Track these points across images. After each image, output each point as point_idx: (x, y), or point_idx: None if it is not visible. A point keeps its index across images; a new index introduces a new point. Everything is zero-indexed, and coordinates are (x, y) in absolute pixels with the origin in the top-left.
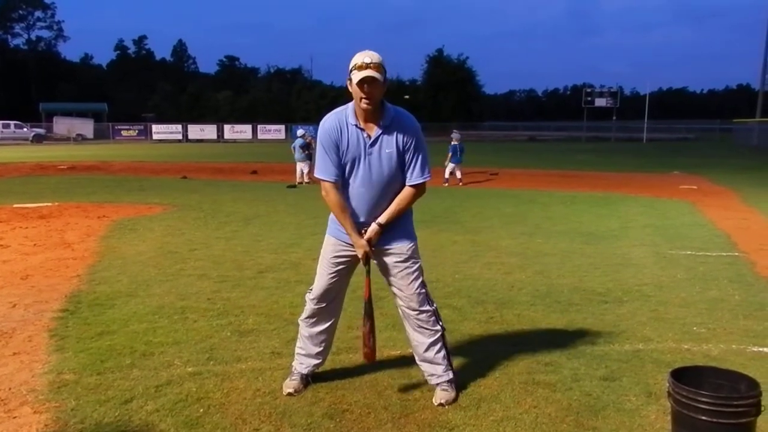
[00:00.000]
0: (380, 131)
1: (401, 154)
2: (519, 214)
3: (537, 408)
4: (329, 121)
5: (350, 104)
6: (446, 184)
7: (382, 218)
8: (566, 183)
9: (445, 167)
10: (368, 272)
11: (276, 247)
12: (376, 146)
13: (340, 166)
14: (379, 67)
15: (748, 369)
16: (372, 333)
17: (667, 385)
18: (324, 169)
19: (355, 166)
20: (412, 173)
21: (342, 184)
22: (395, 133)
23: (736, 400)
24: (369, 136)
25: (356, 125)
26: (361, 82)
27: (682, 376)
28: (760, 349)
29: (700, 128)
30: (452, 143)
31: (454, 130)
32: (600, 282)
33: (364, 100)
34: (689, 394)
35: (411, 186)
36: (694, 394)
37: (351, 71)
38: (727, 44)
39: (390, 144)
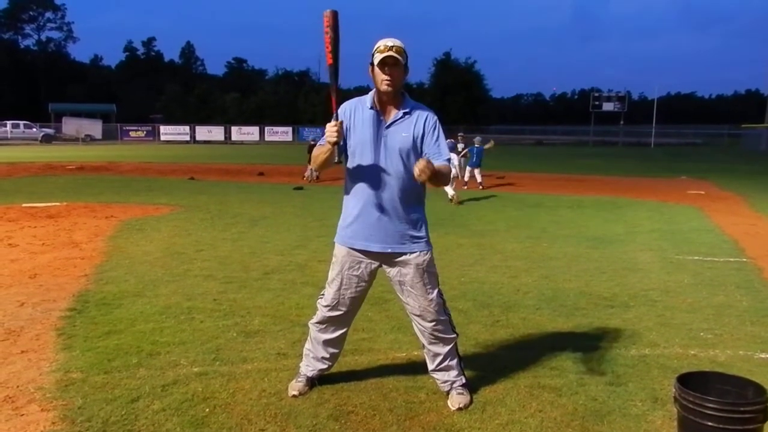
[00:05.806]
0: (398, 116)
1: (417, 141)
2: (525, 218)
3: (542, 412)
4: (348, 103)
5: (371, 92)
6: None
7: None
8: (573, 187)
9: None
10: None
11: (282, 249)
12: (392, 128)
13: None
14: (401, 51)
15: (755, 375)
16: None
17: (674, 390)
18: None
19: (368, 148)
20: (434, 153)
21: (351, 172)
22: (414, 120)
23: (743, 406)
24: (386, 120)
25: (373, 108)
26: (383, 63)
27: (689, 381)
28: None
29: (708, 133)
30: (473, 146)
31: (478, 136)
32: (606, 286)
33: (385, 81)
34: (696, 400)
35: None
36: (700, 400)
37: (373, 55)
38: (736, 50)
39: (408, 128)
